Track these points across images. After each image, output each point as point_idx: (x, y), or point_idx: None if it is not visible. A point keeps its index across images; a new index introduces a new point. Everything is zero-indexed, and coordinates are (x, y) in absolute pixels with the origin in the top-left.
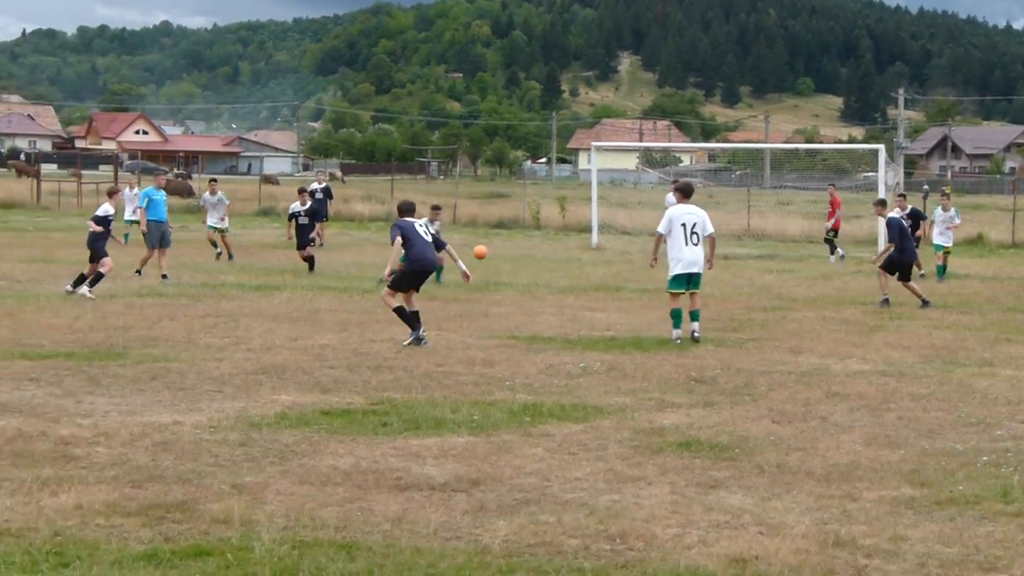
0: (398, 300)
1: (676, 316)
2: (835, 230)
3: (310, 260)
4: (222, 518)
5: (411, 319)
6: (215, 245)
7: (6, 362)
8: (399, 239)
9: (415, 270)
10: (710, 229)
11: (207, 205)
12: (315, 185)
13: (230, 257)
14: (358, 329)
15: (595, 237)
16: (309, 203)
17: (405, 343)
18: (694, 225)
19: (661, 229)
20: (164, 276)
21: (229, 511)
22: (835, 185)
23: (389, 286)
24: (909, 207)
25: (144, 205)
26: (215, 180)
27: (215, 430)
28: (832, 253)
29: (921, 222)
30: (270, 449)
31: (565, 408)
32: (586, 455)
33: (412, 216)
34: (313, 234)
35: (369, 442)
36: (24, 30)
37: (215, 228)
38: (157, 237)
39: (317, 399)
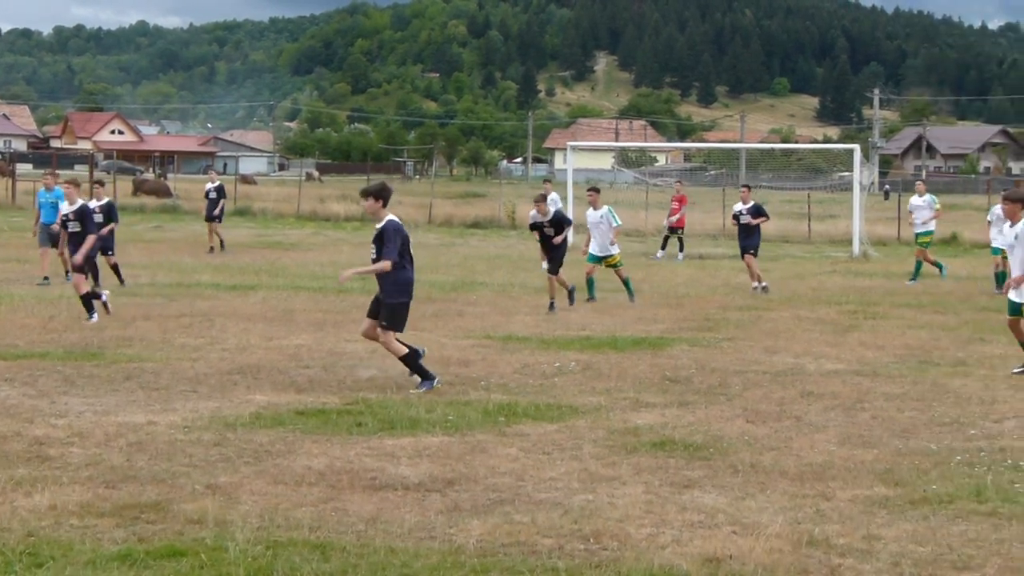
0: (402, 346)
1: None
2: (678, 228)
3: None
4: (196, 518)
5: (421, 366)
6: None
7: None
8: (397, 257)
9: (408, 299)
10: None
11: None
12: (208, 185)
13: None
14: (333, 329)
15: (571, 236)
16: (105, 199)
17: (420, 391)
18: None
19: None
20: (46, 279)
21: (203, 511)
22: (681, 182)
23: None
24: (752, 201)
25: (38, 207)
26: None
27: (189, 430)
28: (663, 248)
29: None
30: (244, 449)
31: (540, 408)
32: (560, 455)
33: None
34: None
35: (344, 442)
36: None
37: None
38: (45, 238)
39: (292, 399)
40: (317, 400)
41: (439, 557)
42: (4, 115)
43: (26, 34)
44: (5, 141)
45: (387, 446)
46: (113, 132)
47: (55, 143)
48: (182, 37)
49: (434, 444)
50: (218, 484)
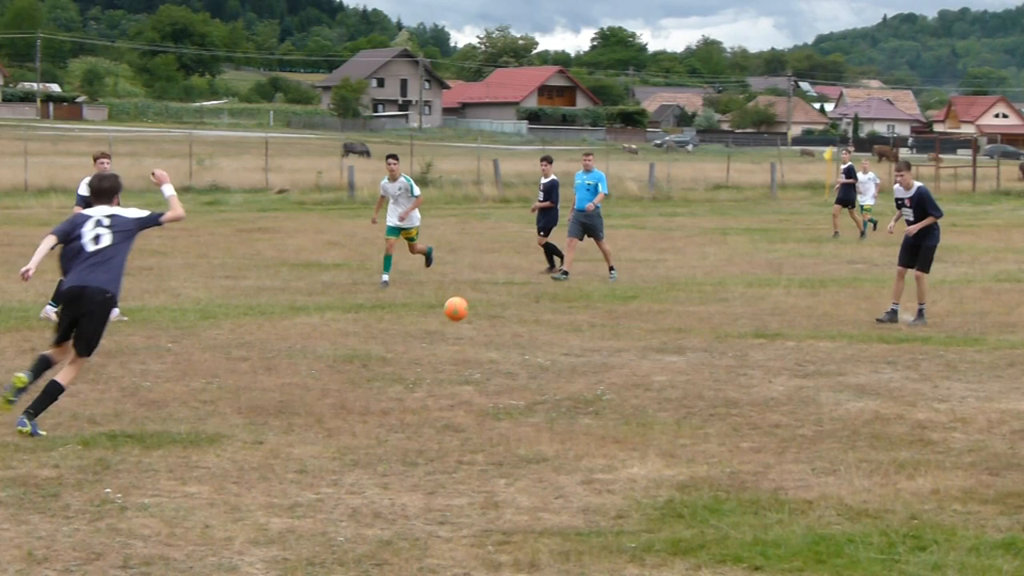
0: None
1: None
2: None
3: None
4: None
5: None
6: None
7: (863, 345)
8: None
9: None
10: None
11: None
12: None
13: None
14: None
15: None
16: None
17: None
18: None
19: None
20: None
21: None
22: None
23: None
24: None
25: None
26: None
27: None
28: None
29: None
30: None
31: None
32: None
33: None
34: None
35: None
36: (884, 15)
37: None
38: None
39: None
40: None
41: None
42: (888, 100)
43: (910, 19)
44: (889, 126)
45: None
46: (997, 116)
47: (938, 127)
48: None
49: None
50: None
